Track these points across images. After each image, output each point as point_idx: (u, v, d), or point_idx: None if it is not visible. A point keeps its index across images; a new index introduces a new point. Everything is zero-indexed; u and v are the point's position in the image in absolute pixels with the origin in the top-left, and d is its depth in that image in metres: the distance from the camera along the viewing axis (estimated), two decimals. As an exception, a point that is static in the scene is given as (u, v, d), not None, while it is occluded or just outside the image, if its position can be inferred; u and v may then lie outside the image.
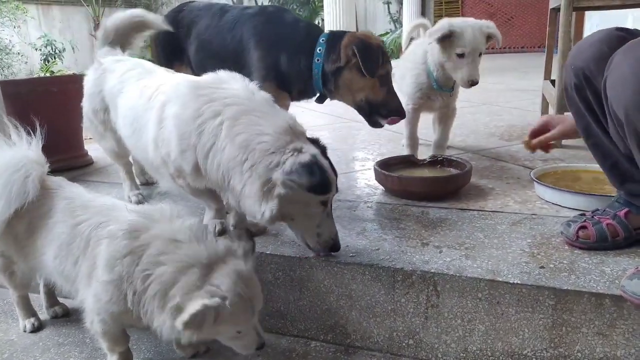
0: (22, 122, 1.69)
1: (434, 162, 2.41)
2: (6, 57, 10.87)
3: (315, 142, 1.58)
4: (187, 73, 2.19)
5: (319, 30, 2.28)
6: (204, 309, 1.22)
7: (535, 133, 1.90)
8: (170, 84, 1.73)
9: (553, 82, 3.25)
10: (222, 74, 1.66)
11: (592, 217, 1.60)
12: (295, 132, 1.52)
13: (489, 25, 2.33)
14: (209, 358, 1.64)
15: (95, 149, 3.27)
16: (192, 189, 1.75)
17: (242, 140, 1.48)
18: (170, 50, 2.56)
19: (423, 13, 12.27)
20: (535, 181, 2.07)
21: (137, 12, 2.29)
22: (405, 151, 2.70)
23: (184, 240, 1.35)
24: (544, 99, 3.62)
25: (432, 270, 1.53)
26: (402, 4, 12.36)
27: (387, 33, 13.05)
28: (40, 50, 11.58)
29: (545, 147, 1.92)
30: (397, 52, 12.10)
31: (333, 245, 1.59)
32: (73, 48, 11.76)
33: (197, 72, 2.36)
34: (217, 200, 1.83)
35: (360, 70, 2.07)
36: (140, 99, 1.82)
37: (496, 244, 1.66)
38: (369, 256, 1.64)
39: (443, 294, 1.53)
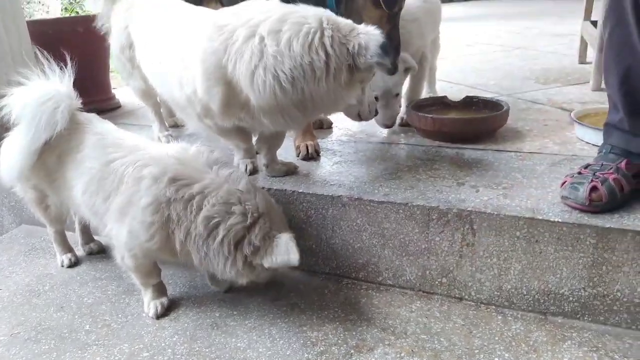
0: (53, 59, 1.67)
1: (468, 103, 2.33)
2: (27, 7, 10.83)
3: None
4: (217, 7, 2.12)
5: None
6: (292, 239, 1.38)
7: None
8: (193, 20, 1.67)
9: (594, 23, 3.08)
10: (240, 4, 1.60)
11: (595, 174, 1.45)
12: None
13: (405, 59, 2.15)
14: (241, 291, 1.66)
15: (122, 93, 3.27)
16: (220, 128, 1.70)
17: (307, 43, 1.42)
18: None
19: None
20: (576, 122, 1.98)
21: None
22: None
23: (245, 191, 1.42)
24: (582, 41, 3.44)
25: (469, 209, 1.50)
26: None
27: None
28: (61, -2, 11.48)
29: None
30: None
31: (375, 109, 1.89)
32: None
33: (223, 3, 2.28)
34: (246, 139, 1.80)
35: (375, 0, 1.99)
36: (163, 36, 1.78)
37: (535, 184, 1.61)
38: (402, 195, 1.61)
39: (479, 233, 1.50)
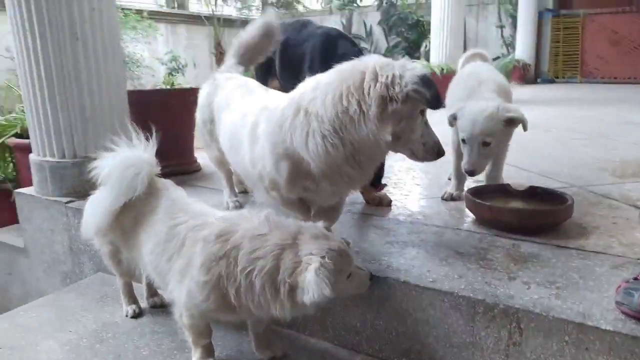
0: (142, 128, 1.89)
1: (531, 193, 2.30)
2: (137, 70, 12.14)
3: None
4: (277, 85, 2.34)
5: None
6: (318, 271, 1.33)
7: None
8: (260, 106, 1.86)
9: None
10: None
11: None
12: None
13: (508, 108, 2.13)
14: (283, 363, 1.70)
15: (203, 157, 3.56)
16: (285, 200, 1.84)
17: (331, 98, 1.56)
18: (266, 66, 2.76)
19: (538, 39, 11.75)
20: (646, 223, 1.90)
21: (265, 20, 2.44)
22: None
23: (267, 232, 1.46)
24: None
25: (516, 306, 1.47)
26: (516, 27, 11.93)
27: (497, 57, 12.62)
28: (166, 64, 12.77)
29: None
30: (508, 77, 11.66)
31: (439, 150, 1.67)
32: (194, 64, 12.83)
33: (282, 82, 2.51)
34: (306, 211, 1.91)
35: None
36: (238, 117, 1.98)
37: (591, 287, 1.55)
38: (449, 283, 1.61)
39: (526, 332, 1.46)
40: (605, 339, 1.34)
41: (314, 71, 2.44)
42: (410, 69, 1.51)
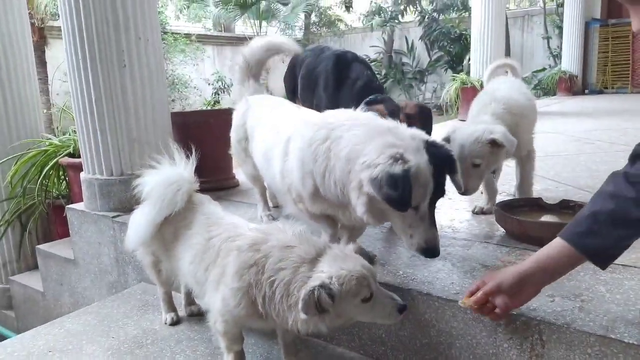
0: (184, 147, 2.02)
1: (564, 207, 2.28)
2: (185, 90, 12.69)
3: (434, 145, 1.62)
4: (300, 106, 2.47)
5: (371, 90, 2.48)
6: (310, 292, 1.37)
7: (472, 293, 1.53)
8: (294, 121, 1.95)
9: None
10: (338, 110, 1.84)
11: None
12: (400, 137, 1.58)
13: (492, 131, 2.16)
14: (311, 372, 1.76)
15: (241, 173, 3.70)
16: (310, 213, 1.92)
17: (346, 153, 1.61)
18: (292, 88, 2.91)
19: (586, 49, 11.41)
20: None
21: (270, 38, 2.66)
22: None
23: (296, 244, 1.52)
24: None
25: (538, 318, 1.47)
26: (562, 38, 11.65)
27: (544, 69, 12.35)
28: (213, 84, 13.26)
29: (487, 311, 1.48)
30: (554, 88, 11.37)
31: (425, 250, 1.58)
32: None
33: (302, 103, 2.65)
34: (333, 225, 1.97)
35: None
36: (271, 134, 2.08)
37: (618, 300, 1.54)
38: (473, 295, 1.63)
39: (549, 344, 1.46)
40: (629, 353, 1.32)
41: (326, 90, 2.55)
42: (392, 164, 1.48)
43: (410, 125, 2.13)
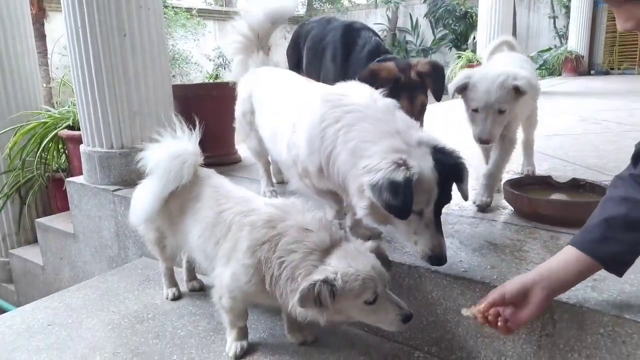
0: (186, 120, 1.96)
1: (574, 185, 2.23)
2: (186, 66, 12.51)
3: (442, 151, 1.54)
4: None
5: (380, 52, 2.42)
6: (311, 285, 1.33)
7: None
8: (305, 93, 1.88)
9: None
10: (352, 84, 1.75)
11: None
12: (407, 141, 1.51)
13: (515, 76, 2.05)
14: (316, 347, 1.73)
15: (244, 148, 3.64)
16: (316, 189, 1.87)
17: (352, 146, 1.55)
18: (296, 62, 2.82)
19: (593, 29, 11.23)
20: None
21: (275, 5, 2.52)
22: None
23: (314, 229, 1.47)
24: None
25: (550, 297, 1.43)
26: (569, 18, 11.46)
27: (549, 49, 12.18)
28: (213, 60, 13.07)
29: (493, 323, 1.38)
30: (560, 68, 11.22)
31: (431, 258, 1.52)
32: (233, 60, 13.06)
33: (308, 76, 2.56)
34: (338, 201, 1.93)
35: None
36: (280, 105, 2.01)
37: (632, 280, 1.50)
38: (482, 274, 1.59)
39: (560, 324, 1.42)
40: (644, 333, 1.29)
41: (335, 61, 2.46)
42: (394, 170, 1.41)
43: (422, 83, 2.07)
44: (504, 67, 2.15)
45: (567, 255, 1.35)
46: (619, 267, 1.34)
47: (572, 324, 1.40)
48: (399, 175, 1.41)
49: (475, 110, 2.11)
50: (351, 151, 1.55)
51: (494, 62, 2.71)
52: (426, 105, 2.17)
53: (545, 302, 1.33)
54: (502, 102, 2.05)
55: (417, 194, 1.44)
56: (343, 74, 2.40)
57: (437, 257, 1.51)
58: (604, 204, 1.37)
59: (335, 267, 1.38)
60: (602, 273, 1.54)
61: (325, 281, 1.34)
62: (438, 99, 2.17)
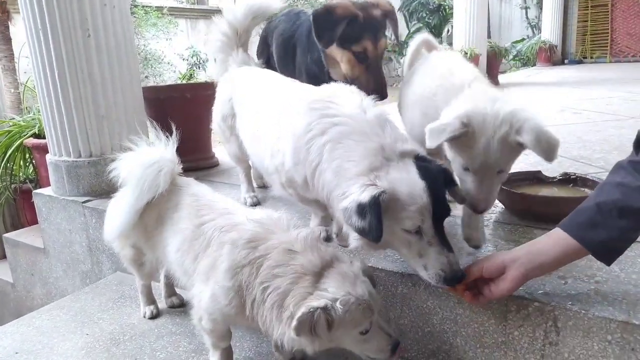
0: (160, 124, 1.83)
1: (566, 180, 2.17)
2: (158, 66, 12.22)
3: (424, 159, 1.42)
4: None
5: None
6: (310, 312, 1.22)
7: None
8: (289, 96, 1.76)
9: None
10: (339, 88, 1.63)
11: None
12: (388, 157, 1.39)
13: (520, 128, 1.46)
14: (303, 365, 1.63)
15: (221, 151, 3.50)
16: (301, 197, 1.76)
17: (336, 166, 1.45)
18: (266, 60, 2.70)
19: (565, 19, 11.35)
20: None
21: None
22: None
23: (299, 250, 1.35)
24: None
25: (552, 304, 1.36)
26: (542, 9, 11.55)
27: (522, 39, 12.27)
28: (187, 60, 12.79)
29: (468, 296, 1.39)
30: (534, 59, 11.30)
31: (445, 280, 1.34)
32: (215, 59, 12.83)
33: (279, 72, 2.44)
34: (323, 208, 1.82)
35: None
36: (262, 109, 1.89)
37: (635, 280, 1.43)
38: (479, 280, 1.51)
39: (564, 332, 1.35)
40: (654, 339, 1.22)
41: (311, 54, 2.34)
42: (362, 191, 1.32)
43: (383, 24, 2.10)
44: (503, 105, 1.51)
45: (553, 237, 1.31)
46: (606, 254, 1.29)
47: (577, 332, 1.33)
48: (365, 196, 1.31)
49: (467, 169, 1.57)
50: (335, 171, 1.45)
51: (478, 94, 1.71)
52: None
53: (521, 280, 1.29)
54: (503, 163, 1.54)
55: (401, 211, 1.32)
56: (320, 67, 2.28)
57: (450, 276, 1.34)
58: (600, 189, 1.34)
59: (334, 293, 1.26)
60: (603, 274, 1.49)
61: (325, 309, 1.22)
62: (399, 39, 2.12)
